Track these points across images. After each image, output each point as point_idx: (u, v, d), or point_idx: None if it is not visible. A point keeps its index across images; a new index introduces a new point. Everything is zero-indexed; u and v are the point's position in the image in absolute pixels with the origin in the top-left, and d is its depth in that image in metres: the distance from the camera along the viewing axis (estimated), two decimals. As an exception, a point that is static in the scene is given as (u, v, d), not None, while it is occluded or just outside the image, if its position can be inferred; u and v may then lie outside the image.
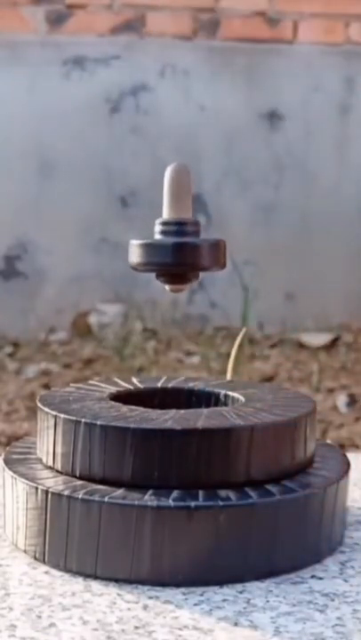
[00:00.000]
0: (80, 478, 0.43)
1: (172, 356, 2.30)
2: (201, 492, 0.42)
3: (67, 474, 0.44)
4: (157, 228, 0.41)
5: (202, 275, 0.49)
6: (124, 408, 0.45)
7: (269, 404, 0.47)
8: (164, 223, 0.41)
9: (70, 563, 0.42)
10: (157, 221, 0.41)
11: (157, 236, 0.40)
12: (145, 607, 0.39)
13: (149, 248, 0.40)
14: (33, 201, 2.44)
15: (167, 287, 0.42)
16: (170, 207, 0.41)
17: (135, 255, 0.41)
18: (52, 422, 0.44)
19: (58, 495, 0.42)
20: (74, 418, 0.43)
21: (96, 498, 0.41)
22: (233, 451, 0.42)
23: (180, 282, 0.42)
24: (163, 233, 0.40)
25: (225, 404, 0.50)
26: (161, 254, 0.41)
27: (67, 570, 0.42)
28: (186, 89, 2.27)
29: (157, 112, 2.30)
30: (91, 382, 0.51)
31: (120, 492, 0.42)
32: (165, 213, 0.41)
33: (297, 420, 0.44)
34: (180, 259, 0.40)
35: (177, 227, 0.40)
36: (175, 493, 0.41)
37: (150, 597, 0.40)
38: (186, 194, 0.41)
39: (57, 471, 0.44)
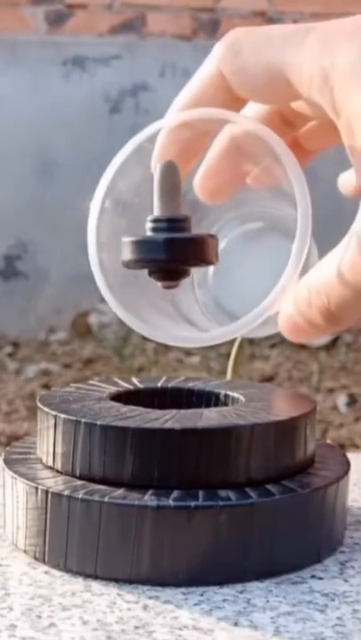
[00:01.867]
0: (80, 478, 0.43)
1: (172, 356, 2.30)
2: (201, 492, 0.42)
3: (67, 474, 0.44)
4: (148, 225, 0.41)
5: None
6: (124, 408, 0.45)
7: (269, 404, 0.47)
8: (155, 220, 0.41)
9: (70, 563, 0.42)
10: (148, 218, 0.41)
11: (149, 233, 0.41)
12: (145, 607, 0.39)
13: (141, 245, 0.41)
14: (33, 201, 2.44)
15: (160, 284, 0.42)
16: (160, 204, 0.41)
17: (127, 252, 0.41)
18: (52, 422, 0.44)
19: (58, 495, 0.42)
20: (74, 418, 0.43)
21: (96, 498, 0.41)
22: (233, 451, 0.42)
23: (173, 278, 0.42)
24: (154, 230, 0.41)
25: (225, 404, 0.50)
26: (153, 251, 0.41)
27: (67, 570, 0.42)
28: (186, 89, 2.27)
29: (157, 112, 2.30)
30: (91, 382, 0.51)
31: (120, 491, 0.42)
32: (156, 210, 0.41)
33: (297, 419, 0.44)
34: (172, 255, 0.41)
35: (168, 223, 0.40)
36: (175, 493, 0.41)
37: (150, 597, 0.40)
38: (176, 191, 0.41)
39: (57, 471, 0.44)
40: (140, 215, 0.43)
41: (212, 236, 0.41)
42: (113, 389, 0.50)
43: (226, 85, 0.40)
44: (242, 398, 0.49)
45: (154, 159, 0.43)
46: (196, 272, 0.48)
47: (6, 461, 0.46)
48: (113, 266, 0.43)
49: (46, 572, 0.42)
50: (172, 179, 0.41)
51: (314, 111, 0.41)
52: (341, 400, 2.01)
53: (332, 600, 0.40)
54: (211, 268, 0.49)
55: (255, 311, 0.39)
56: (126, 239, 0.41)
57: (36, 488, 0.43)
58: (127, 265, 0.41)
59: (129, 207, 0.45)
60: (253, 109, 0.43)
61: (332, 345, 2.39)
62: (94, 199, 0.44)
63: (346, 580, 0.42)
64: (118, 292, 0.43)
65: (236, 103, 0.41)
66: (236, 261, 0.49)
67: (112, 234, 0.43)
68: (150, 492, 0.42)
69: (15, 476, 0.44)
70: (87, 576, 0.42)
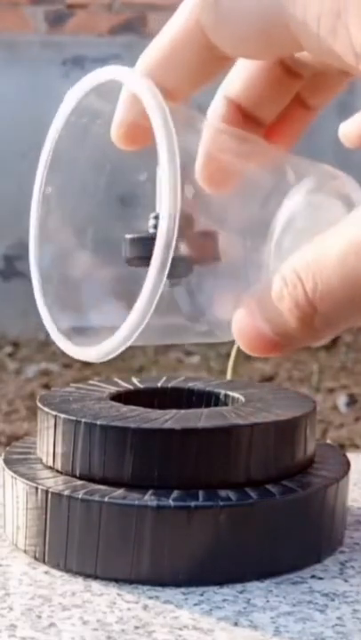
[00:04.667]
0: (80, 478, 0.43)
1: (172, 356, 2.30)
2: (201, 492, 0.42)
3: (67, 474, 0.44)
4: (151, 222, 0.40)
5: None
6: (124, 408, 0.45)
7: (269, 403, 0.47)
8: (157, 217, 0.40)
9: (70, 563, 0.42)
10: (151, 215, 0.40)
11: (151, 230, 0.40)
12: (145, 607, 0.39)
13: (143, 242, 0.40)
14: (33, 201, 2.44)
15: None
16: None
17: (129, 249, 0.41)
18: (52, 422, 0.44)
19: (58, 495, 0.42)
20: (74, 418, 0.43)
21: (96, 498, 0.41)
22: (233, 451, 0.42)
23: (177, 275, 0.42)
24: (156, 227, 0.40)
25: (225, 404, 0.50)
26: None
27: (67, 570, 0.42)
28: (186, 89, 2.27)
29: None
30: (91, 382, 0.51)
31: (120, 491, 0.42)
32: (158, 207, 0.40)
33: (297, 419, 0.44)
34: (175, 252, 0.40)
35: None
36: (175, 493, 0.41)
37: (150, 597, 0.40)
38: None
39: (57, 471, 0.44)
40: (91, 195, 0.40)
41: (213, 232, 0.41)
42: (113, 389, 0.50)
43: (205, 41, 0.32)
44: (242, 398, 0.49)
45: (117, 129, 0.36)
46: None
47: (6, 461, 0.46)
48: (60, 263, 0.40)
49: (46, 572, 0.42)
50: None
51: (321, 60, 0.32)
52: (341, 400, 2.01)
53: (332, 600, 0.40)
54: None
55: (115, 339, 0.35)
56: (128, 236, 0.41)
57: (36, 488, 0.43)
58: (129, 262, 0.41)
59: (73, 188, 0.41)
60: (248, 64, 0.37)
61: (333, 345, 2.39)
62: (36, 183, 0.39)
63: (346, 580, 0.42)
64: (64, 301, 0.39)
65: (218, 63, 0.34)
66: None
67: (60, 222, 0.40)
68: (150, 492, 0.42)
69: (15, 476, 0.44)
70: (87, 576, 0.42)
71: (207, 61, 0.33)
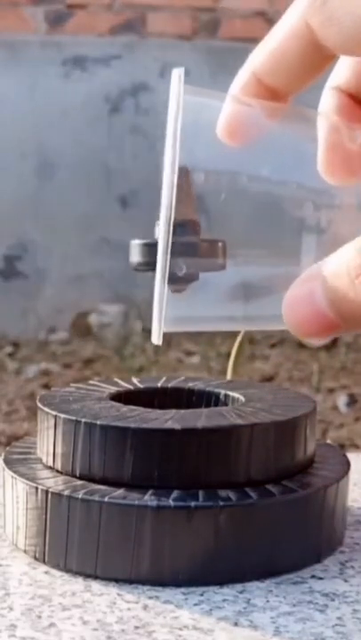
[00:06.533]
0: (80, 478, 0.43)
1: (172, 355, 2.30)
2: (201, 492, 0.42)
3: (67, 474, 0.44)
4: (157, 228, 0.41)
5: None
6: (124, 408, 0.45)
7: (269, 403, 0.47)
8: None
9: (70, 563, 0.42)
10: (158, 222, 0.41)
11: (157, 237, 0.40)
12: (145, 607, 0.39)
13: (150, 248, 0.41)
14: (33, 201, 2.44)
15: (167, 287, 0.42)
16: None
17: (135, 255, 0.41)
18: (52, 422, 0.44)
19: (58, 495, 0.42)
20: (74, 418, 0.43)
21: (96, 498, 0.41)
22: (233, 451, 0.42)
23: (182, 281, 0.42)
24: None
25: (225, 404, 0.50)
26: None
27: (67, 570, 0.42)
28: (186, 89, 2.27)
29: (157, 112, 2.30)
30: (91, 382, 0.51)
31: (120, 491, 0.42)
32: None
33: (297, 419, 0.45)
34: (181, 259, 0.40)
35: (177, 227, 0.40)
36: (175, 493, 0.41)
37: (150, 597, 0.40)
38: (186, 194, 0.41)
39: (57, 471, 0.44)
40: None
41: (220, 241, 0.41)
42: (113, 389, 0.50)
43: (313, 40, 0.34)
44: (242, 398, 0.49)
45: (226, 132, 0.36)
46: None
47: (6, 461, 0.46)
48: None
49: (46, 572, 0.42)
50: (183, 182, 0.40)
51: None
52: (341, 400, 2.01)
53: (332, 600, 0.40)
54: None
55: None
56: (135, 242, 0.41)
57: (36, 488, 0.43)
58: (135, 268, 0.41)
59: None
60: (347, 63, 0.38)
61: (333, 345, 2.39)
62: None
63: (346, 580, 0.42)
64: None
65: (324, 61, 0.36)
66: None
67: None
68: (150, 492, 0.42)
69: (15, 475, 0.44)
70: (87, 576, 0.42)
71: (315, 60, 0.35)
